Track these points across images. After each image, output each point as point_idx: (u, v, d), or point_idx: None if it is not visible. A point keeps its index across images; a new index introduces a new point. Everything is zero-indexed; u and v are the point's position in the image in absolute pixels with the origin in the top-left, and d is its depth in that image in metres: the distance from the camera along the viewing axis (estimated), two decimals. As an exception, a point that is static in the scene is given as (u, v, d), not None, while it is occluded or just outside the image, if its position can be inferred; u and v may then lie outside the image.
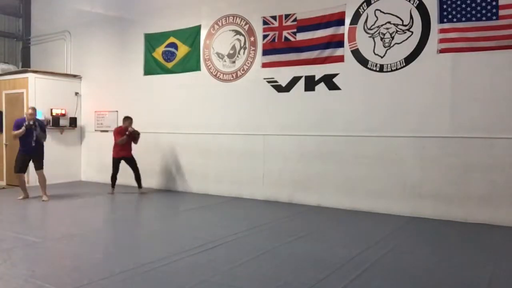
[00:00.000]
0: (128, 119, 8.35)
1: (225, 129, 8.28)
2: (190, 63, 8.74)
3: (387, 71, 6.69)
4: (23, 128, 7.40)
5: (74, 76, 10.46)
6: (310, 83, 7.35)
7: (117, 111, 9.88)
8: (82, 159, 10.58)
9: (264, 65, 7.81)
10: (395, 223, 6.03)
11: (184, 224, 5.98)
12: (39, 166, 7.73)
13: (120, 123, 10.17)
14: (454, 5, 6.13)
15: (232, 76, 8.23)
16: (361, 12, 6.86)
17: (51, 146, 9.85)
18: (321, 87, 7.26)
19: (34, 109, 7.70)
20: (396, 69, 6.61)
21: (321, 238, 5.22)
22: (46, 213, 6.96)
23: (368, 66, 6.83)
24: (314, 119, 7.32)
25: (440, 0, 6.24)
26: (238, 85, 8.15)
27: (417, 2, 6.40)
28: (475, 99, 6.04)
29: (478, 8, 5.97)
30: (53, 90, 9.94)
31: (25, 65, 11.36)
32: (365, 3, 6.82)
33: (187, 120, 8.78)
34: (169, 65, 9.03)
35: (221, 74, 8.37)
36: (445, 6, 6.20)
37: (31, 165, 7.84)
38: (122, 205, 7.67)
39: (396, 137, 6.61)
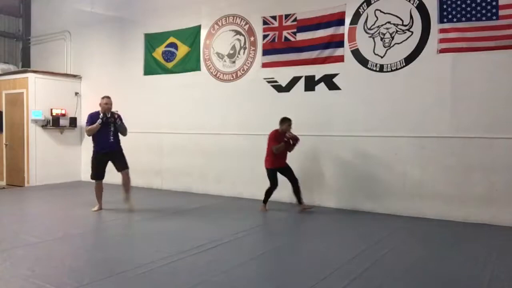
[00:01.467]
0: (286, 121, 6.62)
1: (225, 129, 8.28)
2: (190, 63, 8.74)
3: (387, 71, 6.69)
4: (99, 121, 6.25)
5: (74, 76, 10.46)
6: (310, 83, 7.35)
7: (117, 111, 9.85)
8: (82, 159, 10.57)
9: (264, 65, 7.81)
10: (395, 223, 6.03)
11: (185, 224, 5.98)
12: (122, 166, 6.53)
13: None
14: (454, 5, 6.13)
15: (232, 76, 8.23)
16: (361, 12, 6.86)
17: (51, 146, 9.89)
18: (321, 87, 7.26)
19: (109, 98, 6.46)
20: (396, 69, 6.61)
21: (321, 238, 5.22)
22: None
23: (368, 66, 6.83)
24: (314, 119, 7.32)
25: (440, 0, 6.24)
26: (238, 85, 8.15)
27: (417, 2, 6.40)
28: (475, 99, 6.04)
29: (478, 8, 5.97)
30: (53, 90, 9.94)
31: (25, 65, 11.35)
32: (365, 3, 6.82)
33: (187, 120, 8.78)
34: (169, 65, 9.03)
35: (221, 74, 8.36)
36: (445, 6, 6.20)
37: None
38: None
39: (396, 137, 6.60)
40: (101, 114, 6.31)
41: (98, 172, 6.55)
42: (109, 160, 6.54)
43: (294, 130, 7.50)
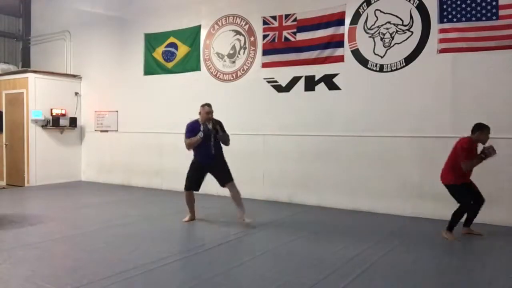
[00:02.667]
0: (485, 129, 5.03)
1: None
2: (190, 63, 8.74)
3: (387, 71, 6.69)
4: (200, 134, 5.54)
5: (74, 76, 10.46)
6: (310, 83, 7.35)
7: (117, 111, 9.88)
8: (82, 159, 10.58)
9: (264, 65, 7.81)
10: (395, 223, 6.03)
11: (185, 224, 5.98)
12: (227, 179, 5.73)
13: (121, 123, 10.29)
14: (454, 5, 6.13)
15: (232, 76, 8.23)
16: (361, 12, 6.86)
17: (51, 146, 9.88)
18: (321, 87, 7.26)
19: (210, 106, 5.72)
20: (396, 69, 6.61)
21: (321, 238, 5.22)
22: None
23: (368, 66, 6.83)
24: (314, 119, 7.32)
25: (440, 0, 6.24)
26: (238, 85, 8.15)
27: (417, 2, 6.40)
28: (475, 99, 6.04)
29: (478, 8, 5.97)
30: (53, 90, 9.94)
31: (25, 65, 11.35)
32: (365, 3, 6.82)
33: (187, 120, 8.75)
34: (169, 65, 9.03)
35: (221, 74, 8.36)
36: (445, 6, 6.20)
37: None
38: None
39: (396, 137, 6.60)
40: (202, 126, 5.58)
41: (192, 183, 5.82)
42: (208, 173, 5.84)
43: (295, 130, 7.52)
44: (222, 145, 5.79)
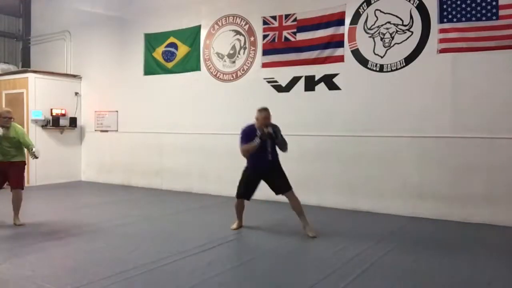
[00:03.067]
0: None
1: (225, 129, 8.27)
2: (190, 63, 8.74)
3: (387, 71, 6.69)
4: (256, 140, 5.12)
5: (74, 76, 10.46)
6: (310, 83, 7.35)
7: (117, 111, 9.88)
8: (82, 159, 10.58)
9: (264, 65, 7.81)
10: (395, 223, 6.03)
11: (185, 224, 5.98)
12: (285, 187, 5.33)
13: (121, 123, 10.27)
14: (454, 5, 6.13)
15: (232, 76, 8.23)
16: (361, 12, 6.86)
17: (51, 146, 9.88)
18: (321, 87, 7.26)
19: (268, 110, 5.31)
20: (396, 69, 6.61)
21: (321, 238, 5.22)
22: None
23: (368, 66, 6.83)
24: (314, 119, 7.32)
25: (440, 0, 6.24)
26: (238, 85, 8.15)
27: (417, 2, 6.40)
28: (475, 99, 6.04)
29: (478, 8, 5.97)
30: (53, 90, 9.94)
31: (25, 65, 11.35)
32: (365, 3, 6.82)
33: (187, 120, 8.78)
34: (169, 65, 9.04)
35: (221, 74, 8.37)
36: (445, 6, 6.21)
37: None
38: None
39: (396, 137, 6.61)
40: (258, 132, 5.15)
41: (246, 192, 5.43)
42: (262, 179, 5.42)
43: (295, 130, 7.51)
44: (279, 151, 5.42)
